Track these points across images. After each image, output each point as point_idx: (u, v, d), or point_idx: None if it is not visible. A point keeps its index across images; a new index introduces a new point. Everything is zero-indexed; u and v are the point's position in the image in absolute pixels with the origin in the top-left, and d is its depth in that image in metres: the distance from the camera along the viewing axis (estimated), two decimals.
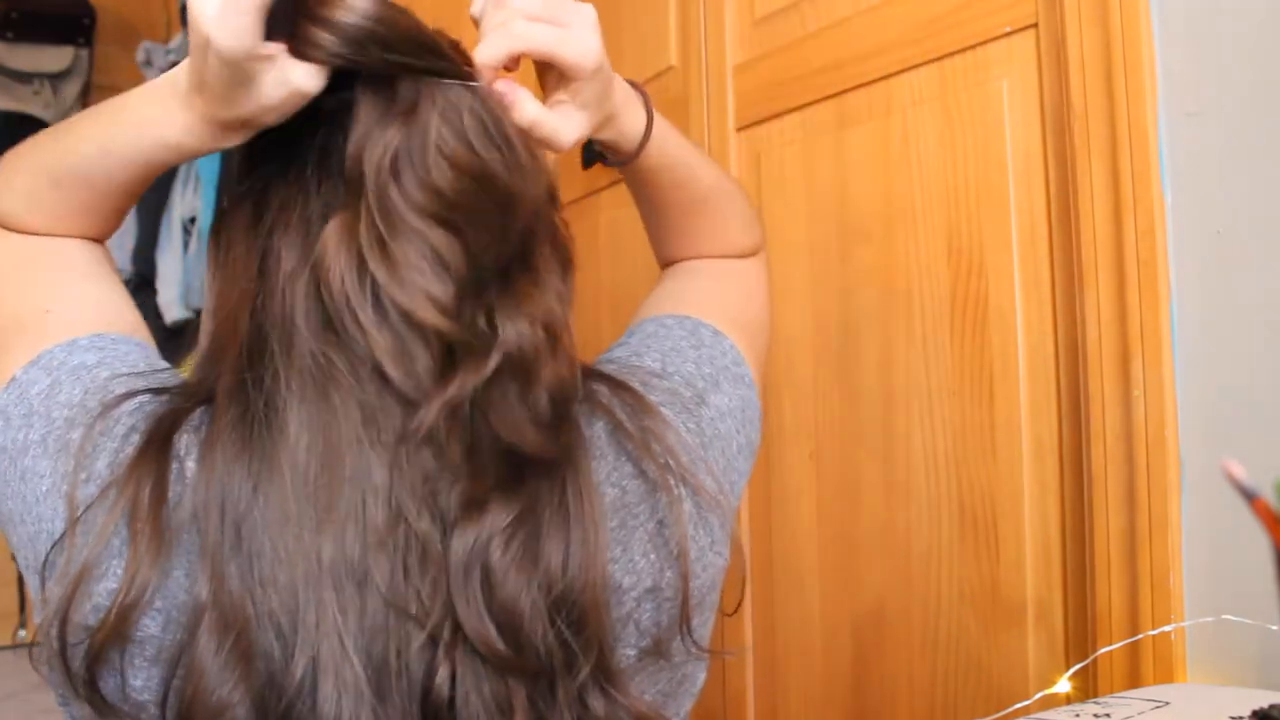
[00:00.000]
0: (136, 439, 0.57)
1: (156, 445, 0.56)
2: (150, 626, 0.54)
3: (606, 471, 0.61)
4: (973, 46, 1.11)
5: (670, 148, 0.75)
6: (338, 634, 0.52)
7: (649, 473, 0.62)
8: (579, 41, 0.62)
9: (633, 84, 0.72)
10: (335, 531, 0.54)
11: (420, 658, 0.54)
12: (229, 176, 0.69)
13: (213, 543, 0.53)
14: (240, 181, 0.65)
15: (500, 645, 0.53)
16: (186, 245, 2.98)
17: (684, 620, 0.62)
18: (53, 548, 0.55)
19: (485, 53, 0.61)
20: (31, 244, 0.66)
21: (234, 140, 0.61)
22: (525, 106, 0.62)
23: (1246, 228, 0.88)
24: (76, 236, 0.67)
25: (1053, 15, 1.01)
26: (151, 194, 3.03)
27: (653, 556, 0.61)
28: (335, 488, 0.54)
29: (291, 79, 0.57)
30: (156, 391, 0.60)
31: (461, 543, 0.54)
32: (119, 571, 0.54)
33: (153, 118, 0.62)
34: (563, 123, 0.64)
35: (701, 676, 0.67)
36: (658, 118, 0.73)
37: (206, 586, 0.53)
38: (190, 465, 0.56)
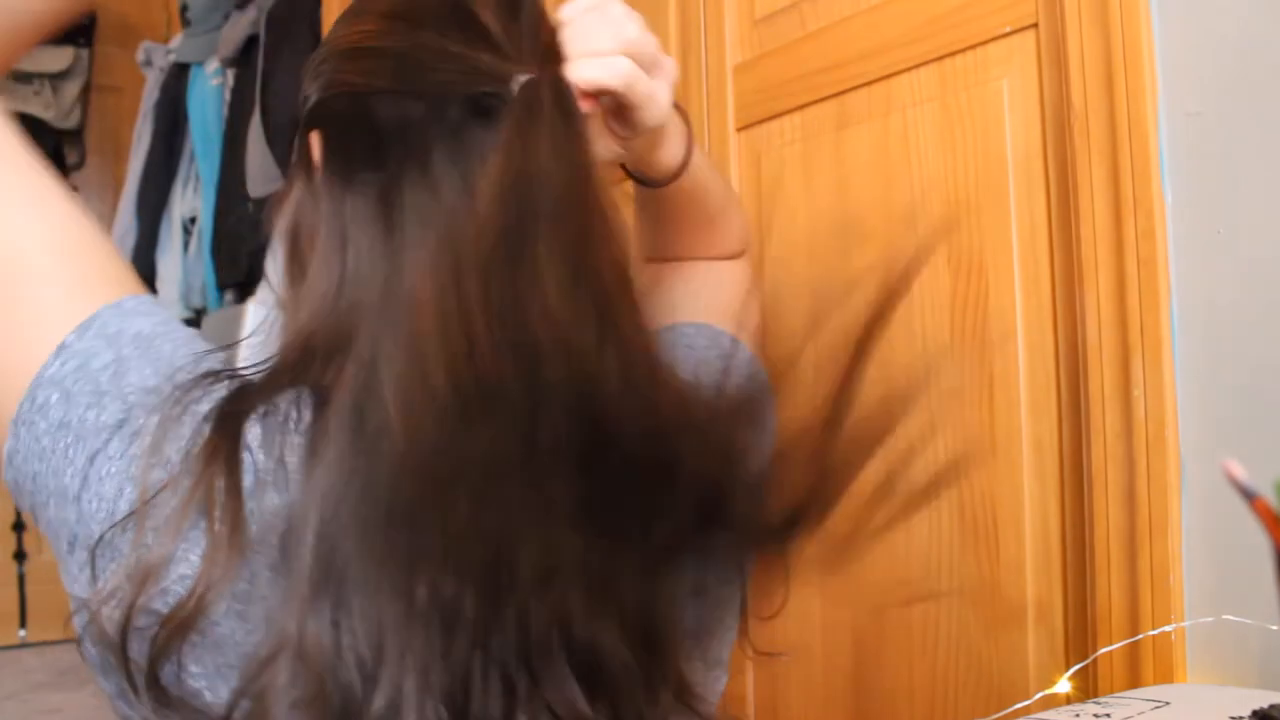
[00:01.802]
0: (206, 426, 0.56)
1: (227, 433, 0.55)
2: (220, 621, 0.54)
3: None
4: (973, 46, 1.11)
5: (696, 167, 0.73)
6: (422, 672, 0.51)
7: None
8: (657, 101, 0.61)
9: (678, 108, 0.70)
10: (432, 568, 0.52)
11: (499, 705, 0.52)
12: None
13: (303, 566, 0.52)
14: (357, 166, 0.61)
15: (581, 705, 0.52)
16: (186, 245, 2.98)
17: (743, 623, 0.63)
18: (112, 528, 0.55)
19: (585, 76, 0.59)
20: None
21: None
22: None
23: (1246, 228, 0.88)
24: None
25: (1053, 15, 1.01)
26: (151, 194, 3.04)
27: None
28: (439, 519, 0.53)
29: None
30: (218, 375, 0.58)
31: (543, 601, 0.52)
32: (194, 559, 0.53)
33: None
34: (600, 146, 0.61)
35: (724, 680, 0.67)
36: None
37: (293, 619, 0.51)
38: (260, 457, 0.55)
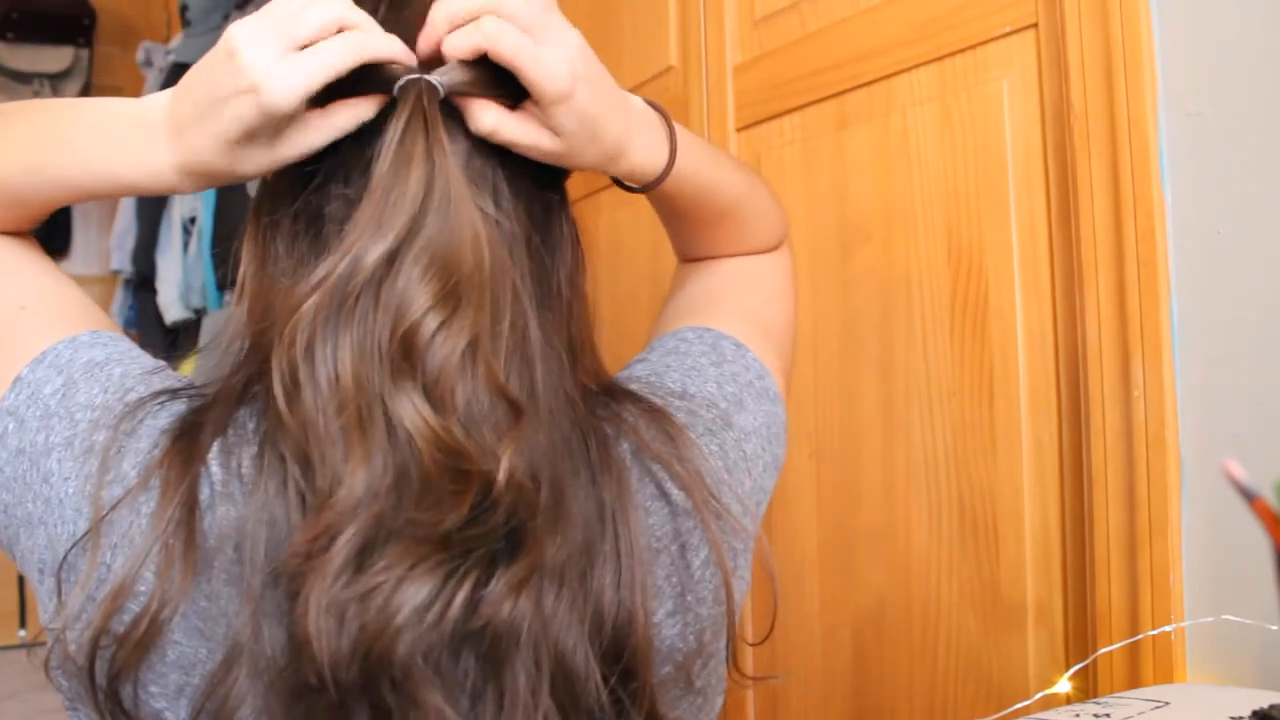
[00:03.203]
0: (164, 440, 0.56)
1: (184, 448, 0.55)
2: (181, 639, 0.53)
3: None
4: (973, 46, 1.11)
5: (691, 167, 0.69)
6: None
7: (672, 496, 0.61)
8: (545, 62, 0.57)
9: (658, 109, 0.67)
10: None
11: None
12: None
13: (254, 582, 0.52)
14: (286, 177, 0.61)
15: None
16: (186, 245, 2.98)
17: (731, 644, 0.62)
18: (73, 548, 0.54)
19: (452, 44, 0.57)
20: None
21: (200, 188, 0.60)
22: (481, 116, 0.58)
23: (1246, 228, 0.88)
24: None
25: (1053, 15, 1.01)
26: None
27: (675, 580, 0.61)
28: None
29: (314, 139, 0.56)
30: (175, 392, 0.59)
31: (510, 604, 0.51)
32: (149, 576, 0.53)
33: (106, 158, 0.59)
34: (524, 132, 0.59)
35: (720, 700, 0.66)
36: (683, 134, 0.68)
37: (247, 626, 0.51)
38: (216, 470, 0.55)
